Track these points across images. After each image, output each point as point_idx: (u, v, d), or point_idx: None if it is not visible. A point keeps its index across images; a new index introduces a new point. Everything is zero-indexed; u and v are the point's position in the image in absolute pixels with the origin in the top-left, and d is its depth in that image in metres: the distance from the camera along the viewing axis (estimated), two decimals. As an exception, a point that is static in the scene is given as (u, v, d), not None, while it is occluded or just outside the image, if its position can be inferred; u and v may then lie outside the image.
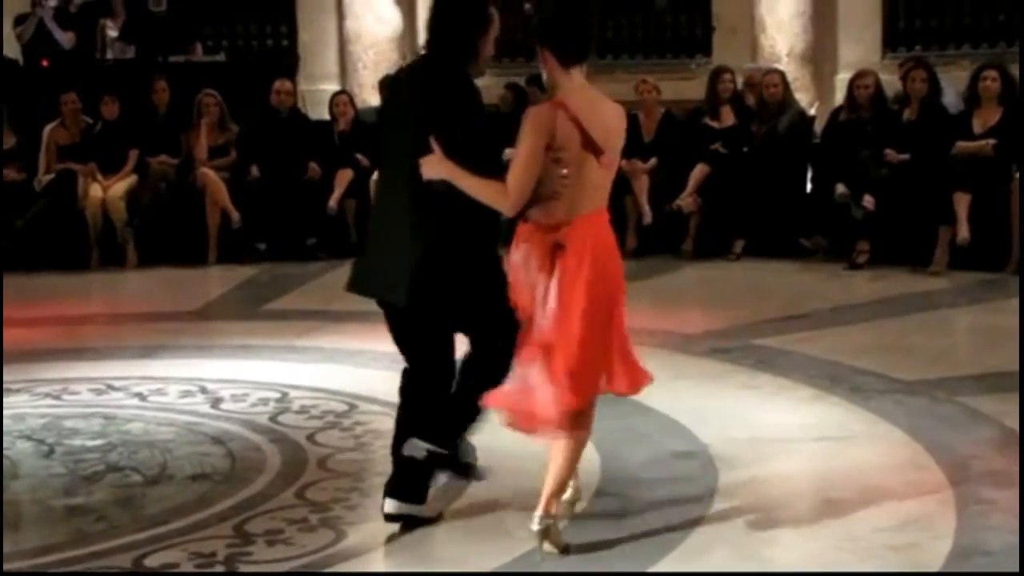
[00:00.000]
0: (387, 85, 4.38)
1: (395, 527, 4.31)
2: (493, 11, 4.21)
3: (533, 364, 4.00)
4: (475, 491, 4.51)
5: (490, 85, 9.50)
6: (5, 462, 5.12)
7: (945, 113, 9.41)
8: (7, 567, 4.12)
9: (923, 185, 8.97)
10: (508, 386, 4.04)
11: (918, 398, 5.71)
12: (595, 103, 4.08)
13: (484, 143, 4.12)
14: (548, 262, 3.99)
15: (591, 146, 3.98)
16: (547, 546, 4.03)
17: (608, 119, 4.08)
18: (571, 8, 4.16)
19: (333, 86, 13.18)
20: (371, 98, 11.60)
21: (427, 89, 4.14)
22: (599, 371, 4.09)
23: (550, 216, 3.99)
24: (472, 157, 4.01)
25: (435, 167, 4.02)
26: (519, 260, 4.05)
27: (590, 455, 4.91)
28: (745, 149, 9.94)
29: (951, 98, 9.79)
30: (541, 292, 3.99)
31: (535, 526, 4.02)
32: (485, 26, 4.15)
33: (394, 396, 5.57)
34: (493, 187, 3.97)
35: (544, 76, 4.14)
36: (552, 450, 4.09)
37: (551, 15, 4.13)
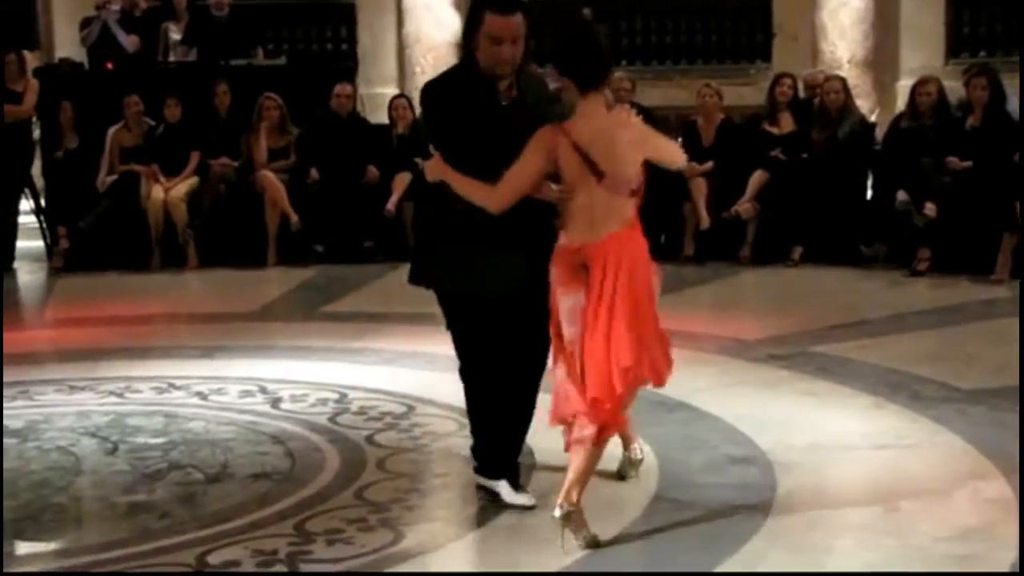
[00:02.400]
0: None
1: (451, 528, 4.36)
2: (484, 13, 4.31)
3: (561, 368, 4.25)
4: (540, 497, 4.52)
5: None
6: (69, 458, 5.20)
7: (1009, 120, 9.31)
8: (69, 562, 4.18)
9: (986, 192, 8.88)
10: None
11: (980, 407, 5.64)
12: (604, 130, 4.22)
13: (457, 146, 4.32)
14: (574, 279, 4.19)
15: (593, 170, 4.16)
16: (569, 534, 4.10)
17: (617, 146, 4.21)
18: (587, 37, 4.44)
19: (392, 90, 13.28)
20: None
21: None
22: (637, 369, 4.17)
23: (571, 240, 4.21)
24: (456, 159, 4.28)
25: (432, 170, 4.35)
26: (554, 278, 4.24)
27: (648, 460, 4.93)
28: (804, 155, 9.88)
29: (1015, 105, 9.67)
30: (568, 305, 4.19)
31: (556, 512, 4.11)
32: (473, 28, 4.34)
33: (450, 398, 5.69)
34: (479, 188, 4.24)
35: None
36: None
37: (568, 44, 4.32)
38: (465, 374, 4.57)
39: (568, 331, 4.20)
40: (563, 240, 4.23)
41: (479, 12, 4.32)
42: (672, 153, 4.41)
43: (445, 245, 4.42)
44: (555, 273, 4.24)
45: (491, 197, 4.22)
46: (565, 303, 4.20)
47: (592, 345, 4.12)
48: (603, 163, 4.17)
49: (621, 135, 4.23)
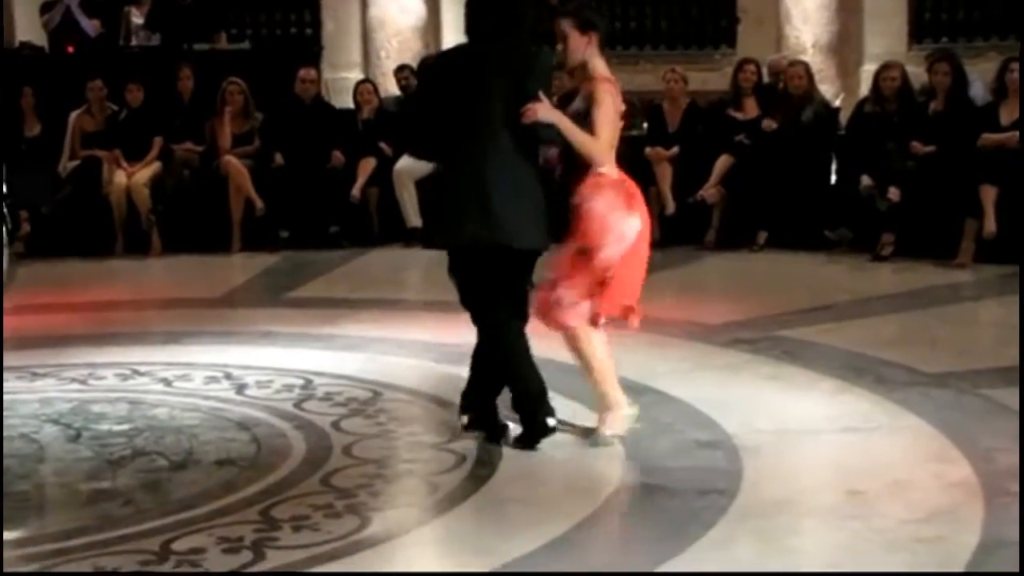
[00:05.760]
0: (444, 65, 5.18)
1: (418, 514, 4.38)
2: None
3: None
4: (507, 483, 4.55)
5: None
6: (32, 445, 5.16)
7: (971, 105, 9.37)
8: (33, 550, 4.14)
9: (949, 177, 8.93)
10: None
11: (943, 390, 5.68)
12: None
13: None
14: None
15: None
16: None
17: None
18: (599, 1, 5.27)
19: (356, 74, 13.21)
20: (394, 87, 11.60)
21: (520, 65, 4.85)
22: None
23: (614, 171, 4.92)
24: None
25: (548, 112, 4.77)
26: (605, 206, 4.84)
27: (614, 444, 4.94)
28: (769, 136, 9.88)
29: (978, 90, 9.74)
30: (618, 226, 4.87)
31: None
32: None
33: (417, 384, 5.70)
34: (590, 138, 4.82)
35: (571, 57, 4.99)
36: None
37: (592, 8, 5.10)
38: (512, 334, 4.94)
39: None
40: (611, 171, 4.87)
41: None
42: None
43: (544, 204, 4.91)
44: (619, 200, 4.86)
45: (599, 148, 4.86)
46: (633, 225, 4.89)
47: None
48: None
49: None
